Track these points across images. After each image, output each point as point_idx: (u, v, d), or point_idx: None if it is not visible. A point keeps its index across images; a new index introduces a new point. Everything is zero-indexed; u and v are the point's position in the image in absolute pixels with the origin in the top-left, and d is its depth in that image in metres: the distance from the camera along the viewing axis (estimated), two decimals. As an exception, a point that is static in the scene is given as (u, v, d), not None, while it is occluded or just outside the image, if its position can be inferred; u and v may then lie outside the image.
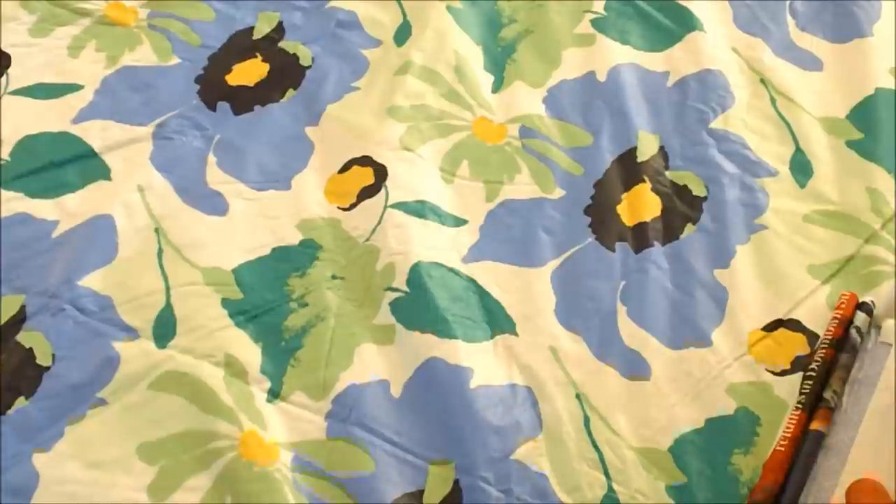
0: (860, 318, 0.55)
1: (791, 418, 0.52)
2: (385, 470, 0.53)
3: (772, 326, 0.57)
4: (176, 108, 0.69)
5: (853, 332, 0.55)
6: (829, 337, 0.55)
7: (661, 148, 0.66)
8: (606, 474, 0.52)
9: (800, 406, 0.52)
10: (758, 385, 0.55)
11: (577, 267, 0.60)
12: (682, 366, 0.56)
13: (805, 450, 0.51)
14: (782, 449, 0.51)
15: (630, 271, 0.60)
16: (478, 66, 0.71)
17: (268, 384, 0.56)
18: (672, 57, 0.71)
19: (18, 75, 0.70)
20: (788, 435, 0.51)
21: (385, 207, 0.63)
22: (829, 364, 0.54)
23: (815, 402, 0.52)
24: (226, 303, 0.59)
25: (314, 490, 0.52)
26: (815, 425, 0.51)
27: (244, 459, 0.52)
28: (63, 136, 0.67)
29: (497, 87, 0.70)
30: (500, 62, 0.72)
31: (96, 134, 0.67)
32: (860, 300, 0.57)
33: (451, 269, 0.60)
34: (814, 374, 0.53)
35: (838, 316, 0.56)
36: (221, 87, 0.70)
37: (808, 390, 0.53)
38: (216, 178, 0.65)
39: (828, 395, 0.53)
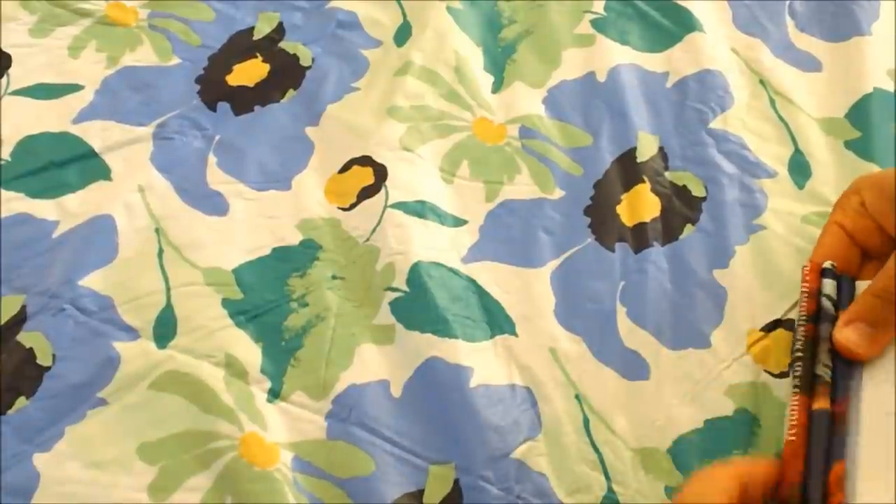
0: (827, 284, 0.54)
1: (793, 405, 0.50)
2: (385, 470, 0.53)
3: (770, 327, 0.57)
4: (176, 109, 0.69)
5: (824, 300, 0.54)
6: (805, 313, 0.54)
7: (661, 148, 0.66)
8: (606, 475, 0.52)
9: (797, 389, 0.51)
10: (757, 386, 0.55)
11: (576, 267, 0.61)
12: (681, 366, 0.56)
13: (815, 432, 0.48)
14: (793, 438, 0.49)
15: (630, 272, 0.60)
16: (478, 66, 0.71)
17: (268, 384, 0.56)
18: (672, 57, 0.71)
19: (19, 75, 0.70)
20: (795, 422, 0.49)
21: (385, 207, 0.63)
22: (812, 340, 0.52)
23: (811, 381, 0.51)
24: (226, 303, 0.59)
25: (314, 491, 0.52)
26: (818, 404, 0.50)
27: (244, 460, 0.52)
28: (63, 136, 0.67)
29: (497, 87, 0.70)
30: (500, 62, 0.72)
31: (97, 134, 0.67)
32: (822, 266, 0.55)
33: (451, 269, 0.60)
34: (801, 353, 0.52)
35: (806, 289, 0.54)
36: (222, 87, 0.70)
37: (800, 372, 0.51)
38: (216, 178, 0.65)
39: (819, 370, 0.51)
